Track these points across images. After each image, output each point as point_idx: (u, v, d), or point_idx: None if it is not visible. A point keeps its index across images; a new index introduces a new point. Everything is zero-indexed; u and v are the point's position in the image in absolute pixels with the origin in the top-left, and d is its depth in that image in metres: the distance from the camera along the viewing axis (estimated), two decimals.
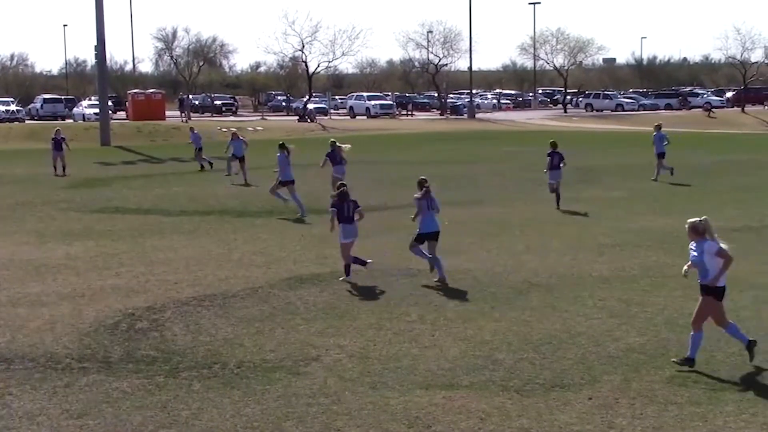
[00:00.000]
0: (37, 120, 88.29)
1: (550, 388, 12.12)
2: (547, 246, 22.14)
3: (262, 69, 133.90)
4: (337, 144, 32.99)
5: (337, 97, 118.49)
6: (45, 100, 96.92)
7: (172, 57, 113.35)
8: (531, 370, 12.81)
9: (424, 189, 18.65)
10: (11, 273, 19.78)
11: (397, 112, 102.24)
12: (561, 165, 29.19)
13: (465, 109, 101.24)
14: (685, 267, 13.20)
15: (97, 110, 73.75)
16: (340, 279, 18.56)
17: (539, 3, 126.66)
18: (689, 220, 12.95)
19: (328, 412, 11.29)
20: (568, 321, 15.34)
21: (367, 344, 14.00)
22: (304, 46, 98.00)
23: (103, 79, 68.45)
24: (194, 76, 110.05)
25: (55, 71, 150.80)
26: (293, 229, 25.40)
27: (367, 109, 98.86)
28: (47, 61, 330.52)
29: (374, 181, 37.01)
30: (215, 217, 27.94)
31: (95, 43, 66.55)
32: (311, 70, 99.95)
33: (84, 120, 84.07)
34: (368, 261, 19.16)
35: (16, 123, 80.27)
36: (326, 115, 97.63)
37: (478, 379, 12.46)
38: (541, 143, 41.06)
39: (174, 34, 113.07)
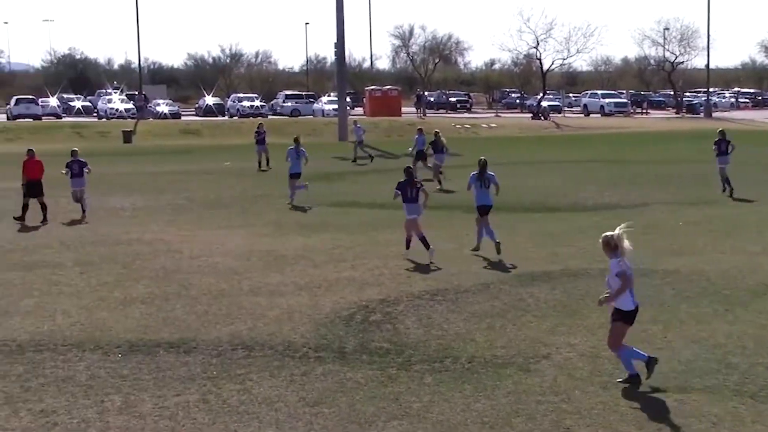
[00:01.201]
0: (279, 115, 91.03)
1: None
2: None
3: (496, 66, 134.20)
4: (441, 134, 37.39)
5: (570, 94, 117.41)
6: (286, 96, 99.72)
7: (408, 54, 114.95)
8: (767, 376, 12.47)
9: (479, 167, 21.56)
10: (252, 263, 20.53)
11: (632, 111, 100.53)
12: (729, 151, 32.11)
13: (701, 108, 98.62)
14: (604, 294, 12.36)
15: (335, 106, 75.46)
16: (402, 254, 20.51)
17: None
18: (603, 234, 12.11)
19: (557, 410, 11.29)
20: None
21: (598, 343, 13.90)
22: (538, 44, 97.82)
23: (342, 76, 70.03)
24: (430, 73, 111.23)
25: (296, 68, 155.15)
26: (523, 226, 25.39)
27: (602, 107, 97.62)
28: (289, 59, 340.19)
29: (609, 180, 36.59)
30: (445, 213, 28.20)
31: (335, 41, 68.22)
32: (545, 67, 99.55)
33: (323, 116, 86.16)
34: (431, 247, 20.42)
35: (260, 118, 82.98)
36: (560, 113, 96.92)
37: (711, 383, 12.21)
38: None
39: (411, 31, 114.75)
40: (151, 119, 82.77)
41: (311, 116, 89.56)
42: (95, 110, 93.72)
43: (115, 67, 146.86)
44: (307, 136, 56.08)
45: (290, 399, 11.76)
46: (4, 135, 67.61)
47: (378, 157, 52.24)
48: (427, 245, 20.61)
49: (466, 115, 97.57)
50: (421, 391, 12.01)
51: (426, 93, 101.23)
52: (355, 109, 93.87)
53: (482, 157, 22.08)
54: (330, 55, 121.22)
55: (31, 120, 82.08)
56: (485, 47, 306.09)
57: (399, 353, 13.60)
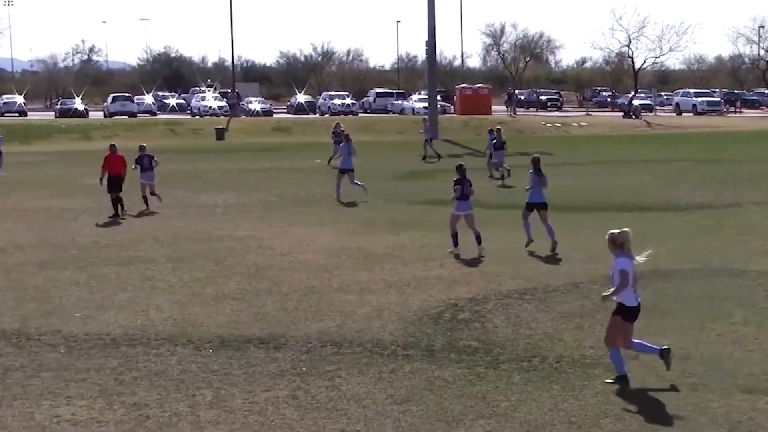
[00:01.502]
0: (369, 113, 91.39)
1: None
2: None
3: (587, 65, 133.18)
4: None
5: (662, 93, 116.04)
6: (377, 94, 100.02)
7: (499, 52, 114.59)
8: None
9: (536, 164, 22.21)
10: (342, 260, 20.68)
11: (725, 110, 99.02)
12: None
13: None
14: (609, 289, 12.40)
15: (425, 104, 75.50)
16: (448, 250, 21.05)
17: None
18: (609, 232, 12.42)
19: (646, 411, 11.23)
20: None
21: (689, 345, 13.78)
22: (630, 42, 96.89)
23: (433, 74, 70.05)
24: (521, 71, 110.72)
25: (387, 66, 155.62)
26: (615, 225, 25.05)
27: (694, 105, 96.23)
28: (381, 57, 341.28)
29: (702, 180, 36.16)
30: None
31: (426, 39, 68.19)
32: (637, 65, 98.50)
33: (413, 114, 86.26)
34: (457, 247, 21.19)
35: (350, 116, 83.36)
36: (651, 112, 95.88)
37: None
38: None
39: (502, 29, 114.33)
40: (243, 117, 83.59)
41: (400, 114, 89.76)
42: (189, 108, 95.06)
43: (209, 65, 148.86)
44: (396, 134, 56.32)
45: (378, 396, 11.84)
46: (101, 132, 68.78)
47: (467, 155, 52.14)
48: (479, 240, 21.23)
49: (557, 113, 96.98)
50: (508, 390, 12.02)
51: (516, 91, 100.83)
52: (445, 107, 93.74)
53: (536, 155, 22.90)
54: (421, 53, 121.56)
55: (126, 117, 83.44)
56: (577, 45, 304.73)
57: (487, 352, 13.61)
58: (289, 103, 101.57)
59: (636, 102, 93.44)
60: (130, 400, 11.70)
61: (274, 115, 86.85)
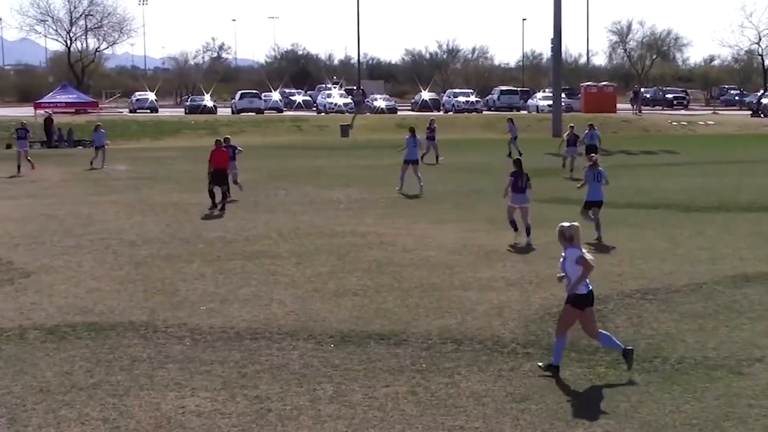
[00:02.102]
0: (493, 111, 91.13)
1: None
2: None
3: (715, 62, 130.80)
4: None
5: None
6: (502, 92, 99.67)
7: (625, 50, 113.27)
8: None
9: (592, 162, 23.46)
10: (463, 258, 20.71)
11: None
12: None
13: None
14: (559, 273, 12.68)
15: (550, 102, 75.02)
16: (514, 238, 22.44)
17: None
18: (559, 225, 12.69)
19: None
20: None
21: None
22: (760, 39, 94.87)
23: (558, 72, 69.56)
24: (647, 69, 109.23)
25: (512, 64, 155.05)
26: (741, 225, 24.76)
27: None
28: (505, 54, 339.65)
29: None
30: (661, 211, 27.79)
31: (551, 37, 67.82)
32: (767, 63, 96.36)
33: (537, 111, 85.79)
34: (517, 236, 22.48)
35: (474, 114, 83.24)
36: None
37: None
38: None
39: (629, 27, 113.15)
40: (368, 114, 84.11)
41: (525, 112, 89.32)
42: (315, 105, 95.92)
43: (335, 62, 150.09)
44: (520, 131, 55.89)
45: (497, 394, 11.86)
46: (229, 128, 69.83)
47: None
48: (528, 232, 22.44)
49: (683, 112, 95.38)
50: (629, 390, 11.93)
51: (642, 89, 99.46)
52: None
53: (592, 155, 24.77)
54: (546, 51, 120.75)
55: (254, 114, 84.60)
56: (705, 43, 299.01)
57: (608, 352, 13.49)
58: (413, 101, 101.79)
59: (765, 100, 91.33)
60: (253, 392, 11.92)
61: (399, 112, 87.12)
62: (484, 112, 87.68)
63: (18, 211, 28.69)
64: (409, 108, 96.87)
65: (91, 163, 44.36)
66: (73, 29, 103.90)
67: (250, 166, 43.59)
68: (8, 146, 57.07)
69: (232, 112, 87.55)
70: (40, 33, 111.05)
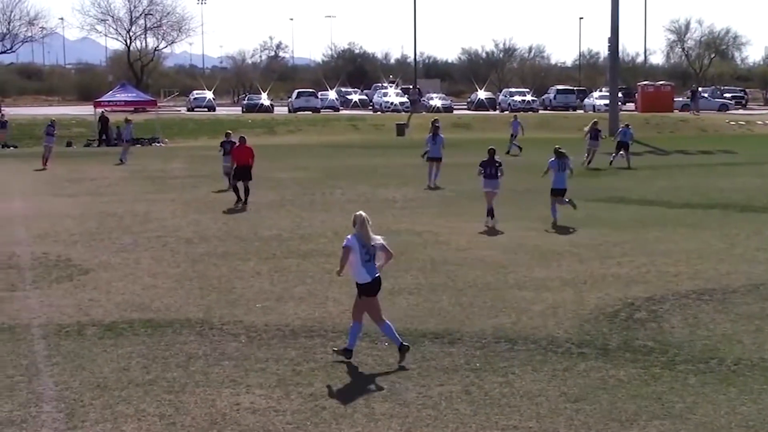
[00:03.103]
0: (549, 110, 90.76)
1: None
2: None
3: None
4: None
5: None
6: (558, 91, 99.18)
7: (683, 49, 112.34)
8: None
9: (558, 153, 25.73)
10: (518, 257, 20.67)
11: None
12: None
13: None
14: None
15: (607, 101, 74.53)
16: (486, 222, 24.76)
17: None
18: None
19: None
20: None
21: None
22: None
23: (614, 71, 69.08)
24: (705, 68, 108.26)
25: (569, 63, 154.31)
26: None
27: None
28: (562, 53, 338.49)
29: None
30: (718, 211, 27.57)
31: (608, 36, 67.31)
32: None
33: (594, 111, 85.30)
34: (492, 219, 24.78)
35: (530, 113, 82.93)
36: None
37: None
38: None
39: (687, 25, 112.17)
40: (424, 113, 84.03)
41: (582, 111, 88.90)
42: (371, 103, 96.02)
43: (392, 61, 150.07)
44: (576, 131, 55.49)
45: (551, 394, 11.85)
46: (286, 127, 70.23)
47: (648, 153, 51.39)
48: (492, 215, 24.89)
49: (741, 111, 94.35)
50: (684, 391, 11.86)
51: (700, 89, 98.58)
52: (627, 104, 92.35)
53: (558, 146, 26.44)
54: (603, 50, 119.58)
55: (310, 113, 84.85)
56: (764, 41, 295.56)
57: (663, 352, 13.45)
58: (469, 100, 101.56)
59: None
60: (307, 390, 11.99)
61: (455, 111, 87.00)
62: (540, 112, 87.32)
63: (77, 209, 29.01)
64: (465, 107, 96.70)
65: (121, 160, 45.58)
66: (133, 28, 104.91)
67: (306, 165, 43.81)
68: (69, 144, 57.82)
69: (289, 111, 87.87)
70: (100, 32, 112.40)
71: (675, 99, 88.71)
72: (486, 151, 25.95)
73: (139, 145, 56.28)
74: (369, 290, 13.20)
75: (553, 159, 25.80)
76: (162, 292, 17.44)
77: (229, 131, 35.74)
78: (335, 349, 13.48)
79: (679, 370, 12.66)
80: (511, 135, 51.18)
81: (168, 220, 26.67)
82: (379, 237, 13.31)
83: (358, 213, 13.30)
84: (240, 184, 29.87)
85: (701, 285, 17.62)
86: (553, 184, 25.74)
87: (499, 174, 25.35)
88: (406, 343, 13.30)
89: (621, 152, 42.98)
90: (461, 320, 15.30)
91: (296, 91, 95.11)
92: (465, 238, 23.06)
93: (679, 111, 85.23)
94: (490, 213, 24.95)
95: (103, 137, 60.19)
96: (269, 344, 14.05)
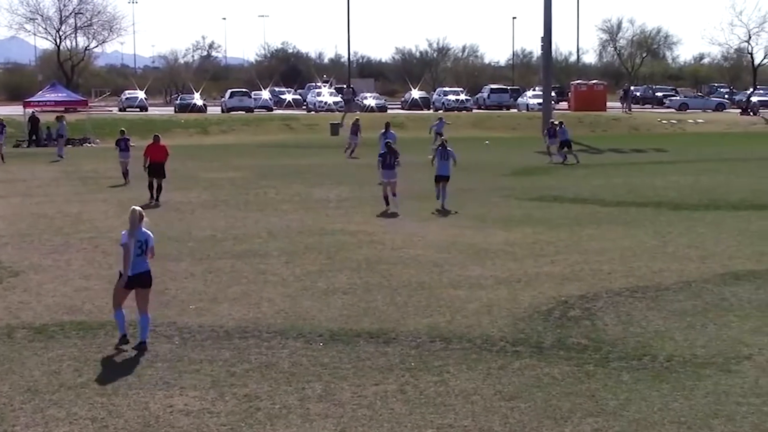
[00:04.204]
0: (483, 109, 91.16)
1: None
2: None
3: (705, 61, 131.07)
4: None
5: None
6: (492, 90, 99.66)
7: (615, 48, 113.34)
8: None
9: (441, 144, 29.86)
10: (453, 256, 20.71)
11: None
12: None
13: None
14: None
15: (540, 100, 75.07)
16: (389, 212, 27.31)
17: None
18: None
19: (758, 412, 11.04)
20: None
21: None
22: (750, 38, 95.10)
23: (548, 70, 69.57)
24: (637, 67, 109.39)
25: (502, 62, 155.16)
26: (730, 224, 24.80)
27: None
28: (496, 52, 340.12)
29: None
30: (651, 209, 27.84)
31: (542, 35, 67.80)
32: (757, 61, 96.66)
33: (527, 110, 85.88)
34: (388, 208, 27.68)
35: (464, 112, 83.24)
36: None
37: None
38: None
39: (619, 25, 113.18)
40: (358, 112, 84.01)
41: (515, 110, 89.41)
42: (305, 103, 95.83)
43: (326, 61, 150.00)
44: (510, 130, 56.14)
45: (486, 392, 11.85)
46: (219, 127, 69.91)
47: (582, 152, 51.80)
48: (395, 196, 27.89)
49: (673, 110, 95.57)
50: (617, 388, 11.93)
51: (632, 87, 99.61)
52: (560, 103, 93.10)
53: (444, 139, 31.46)
54: (536, 49, 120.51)
55: (244, 112, 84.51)
56: (695, 41, 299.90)
57: (597, 350, 13.53)
58: (403, 99, 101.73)
59: (754, 99, 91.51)
60: (242, 391, 11.90)
61: (389, 111, 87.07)
62: (474, 111, 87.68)
63: (7, 210, 28.63)
64: (399, 106, 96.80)
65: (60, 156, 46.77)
66: (63, 27, 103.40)
67: (240, 165, 43.62)
68: None
69: (222, 111, 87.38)
70: (29, 31, 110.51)
71: (696, 97, 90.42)
72: (384, 145, 29.24)
73: (70, 146, 55.69)
74: (142, 283, 13.94)
75: (438, 149, 29.42)
76: (94, 294, 17.23)
77: (123, 129, 39.69)
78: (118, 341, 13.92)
79: (612, 368, 12.74)
80: (437, 133, 50.34)
81: (100, 221, 26.39)
82: (150, 233, 14.16)
83: (132, 208, 14.02)
84: (154, 182, 30.75)
85: (634, 282, 17.76)
86: (437, 171, 28.67)
87: (396, 164, 27.95)
88: (146, 341, 13.73)
89: (566, 150, 44.45)
90: (396, 319, 15.28)
91: (229, 90, 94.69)
92: (399, 237, 23.06)
93: (677, 110, 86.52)
94: (386, 201, 28.08)
95: (34, 138, 59.50)
96: (203, 345, 13.93)
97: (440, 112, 77.91)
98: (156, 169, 31.00)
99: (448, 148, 29.00)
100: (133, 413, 11.17)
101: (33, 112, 60.61)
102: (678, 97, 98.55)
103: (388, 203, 27.98)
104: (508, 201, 30.05)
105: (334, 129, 67.90)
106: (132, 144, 37.71)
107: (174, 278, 18.55)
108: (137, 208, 14.04)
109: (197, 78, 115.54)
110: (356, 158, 46.39)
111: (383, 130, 38.41)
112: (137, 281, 13.90)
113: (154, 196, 30.69)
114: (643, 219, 25.82)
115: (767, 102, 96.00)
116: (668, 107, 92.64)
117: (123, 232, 13.99)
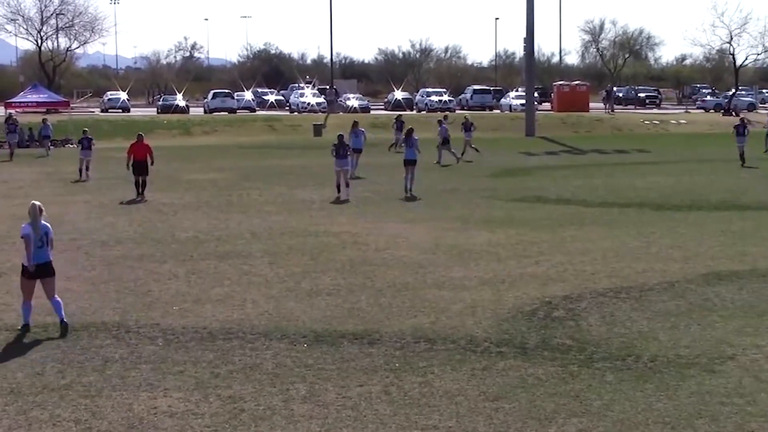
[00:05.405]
0: (466, 110, 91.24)
1: None
2: None
3: (687, 61, 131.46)
4: None
5: (764, 90, 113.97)
6: (475, 91, 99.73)
7: (598, 49, 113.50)
8: None
9: (407, 131, 33.63)
10: (436, 257, 20.71)
11: None
12: (745, 133, 42.68)
13: None
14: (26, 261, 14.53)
15: (523, 101, 75.17)
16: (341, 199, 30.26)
17: None
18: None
19: (741, 412, 11.07)
20: None
21: None
22: (732, 39, 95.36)
23: (530, 71, 69.75)
24: (619, 68, 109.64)
25: (485, 63, 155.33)
26: (713, 224, 24.87)
27: None
28: (479, 53, 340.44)
29: None
30: (634, 210, 27.90)
31: (524, 36, 67.95)
32: (738, 63, 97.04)
33: (510, 111, 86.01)
34: (340, 195, 30.80)
35: (447, 113, 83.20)
36: (754, 109, 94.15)
37: None
38: None
39: (601, 26, 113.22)
40: (341, 113, 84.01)
41: (498, 111, 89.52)
42: (287, 104, 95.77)
43: (308, 62, 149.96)
44: (492, 130, 56.22)
45: (471, 393, 11.85)
46: (202, 128, 69.78)
47: (565, 152, 51.90)
48: (347, 187, 30.90)
49: (655, 110, 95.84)
50: (602, 389, 11.94)
51: (615, 88, 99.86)
52: (543, 104, 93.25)
53: (410, 128, 34.54)
54: (519, 50, 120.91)
55: (226, 113, 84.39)
56: (677, 42, 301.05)
57: (581, 350, 13.54)
58: (386, 100, 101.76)
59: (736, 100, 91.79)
60: (226, 393, 11.88)
61: (372, 112, 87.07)
62: (457, 111, 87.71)
63: None
64: (382, 107, 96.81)
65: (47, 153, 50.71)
66: (44, 28, 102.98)
67: (222, 166, 43.55)
68: None
69: (205, 112, 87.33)
70: (10, 32, 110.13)
71: (705, 99, 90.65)
72: (337, 137, 32.11)
73: (52, 147, 55.50)
74: (46, 272, 14.55)
75: (405, 138, 33.54)
76: (77, 295, 17.16)
77: (86, 129, 42.64)
78: (18, 328, 14.63)
79: (596, 368, 12.75)
80: (443, 140, 46.19)
81: (82, 222, 26.32)
82: (48, 225, 14.69)
83: (32, 203, 14.73)
84: (139, 179, 32.28)
85: (618, 283, 17.78)
86: (405, 155, 32.58)
87: (348, 154, 31.79)
88: (66, 321, 14.57)
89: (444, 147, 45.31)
90: (380, 321, 15.27)
91: (212, 91, 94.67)
92: (383, 238, 23.05)
93: (683, 111, 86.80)
94: (339, 188, 31.05)
95: (24, 140, 59.22)
96: (187, 347, 13.89)
97: (440, 112, 77.84)
98: (140, 167, 32.52)
99: (414, 137, 32.80)
100: (116, 415, 11.13)
101: (13, 112, 60.40)
102: (711, 98, 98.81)
103: (339, 191, 30.90)
104: (490, 202, 30.06)
105: (317, 130, 67.85)
106: (94, 143, 40.46)
107: (157, 279, 18.51)
108: (36, 202, 14.78)
109: (180, 79, 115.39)
110: (400, 152, 45.76)
111: (352, 128, 40.50)
112: (42, 271, 14.50)
113: (140, 192, 31.87)
114: (626, 220, 25.88)
115: (750, 103, 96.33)
116: (700, 108, 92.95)
117: (23, 225, 14.64)
